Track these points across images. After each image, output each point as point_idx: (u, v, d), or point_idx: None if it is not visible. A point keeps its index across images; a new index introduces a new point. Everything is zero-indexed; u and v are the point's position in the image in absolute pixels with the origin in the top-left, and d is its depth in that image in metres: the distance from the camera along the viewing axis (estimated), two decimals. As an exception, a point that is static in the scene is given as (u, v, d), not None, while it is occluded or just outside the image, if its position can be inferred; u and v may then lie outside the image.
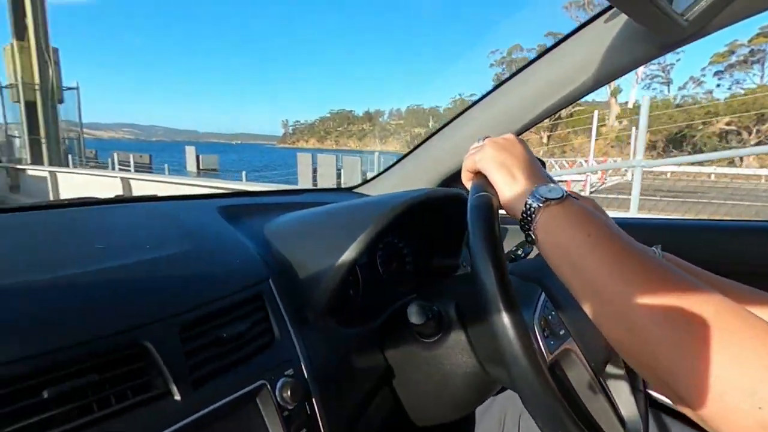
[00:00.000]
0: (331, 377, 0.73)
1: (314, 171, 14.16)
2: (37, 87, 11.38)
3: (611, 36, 0.85)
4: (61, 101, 11.94)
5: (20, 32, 11.56)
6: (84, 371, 0.50)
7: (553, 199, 0.46)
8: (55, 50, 11.60)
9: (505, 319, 0.44)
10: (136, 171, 13.34)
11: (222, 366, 0.61)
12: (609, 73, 0.89)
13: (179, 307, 0.61)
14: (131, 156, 15.56)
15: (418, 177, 1.27)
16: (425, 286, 0.91)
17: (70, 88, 11.94)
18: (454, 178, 1.22)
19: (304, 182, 13.48)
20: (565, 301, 0.66)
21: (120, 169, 13.67)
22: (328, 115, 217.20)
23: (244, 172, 12.41)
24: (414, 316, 0.72)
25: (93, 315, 0.55)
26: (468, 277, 0.89)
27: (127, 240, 0.77)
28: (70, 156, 12.29)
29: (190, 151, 21.05)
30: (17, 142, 12.96)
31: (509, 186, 0.51)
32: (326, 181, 13.49)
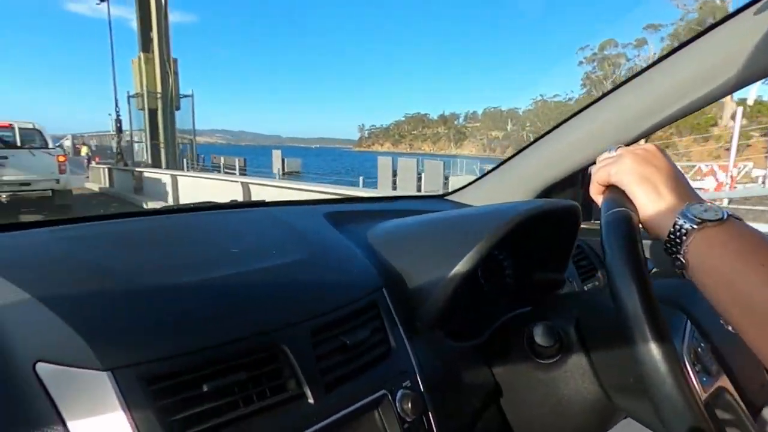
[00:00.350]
0: (443, 392, 0.72)
1: (394, 175, 13.96)
2: (158, 95, 12.23)
3: (763, 29, 0.77)
4: (178, 108, 12.74)
5: (146, 45, 12.51)
6: (234, 369, 0.53)
7: (711, 220, 0.42)
8: (175, 60, 12.42)
9: (654, 348, 0.41)
10: (208, 170, 13.96)
11: (348, 372, 0.63)
12: (759, 70, 0.81)
13: (309, 312, 0.63)
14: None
15: (516, 187, 1.24)
16: (528, 301, 0.89)
17: (185, 96, 12.71)
18: (555, 188, 1.18)
19: (384, 186, 13.34)
20: (718, 333, 0.63)
21: (226, 172, 14.63)
22: (403, 118, 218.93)
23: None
24: (541, 337, 0.70)
25: (238, 316, 0.59)
26: (589, 295, 0.87)
27: (254, 245, 0.82)
28: (184, 160, 13.19)
29: (276, 155, 22.08)
30: (137, 146, 14.26)
31: (653, 203, 0.48)
32: (406, 185, 13.26)
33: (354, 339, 0.65)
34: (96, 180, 15.61)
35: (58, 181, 8.11)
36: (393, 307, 0.74)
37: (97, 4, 12.04)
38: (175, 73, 12.38)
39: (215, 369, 0.52)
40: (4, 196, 7.71)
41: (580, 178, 1.20)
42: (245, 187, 6.70)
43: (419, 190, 12.66)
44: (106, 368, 0.47)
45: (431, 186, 12.78)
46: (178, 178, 8.80)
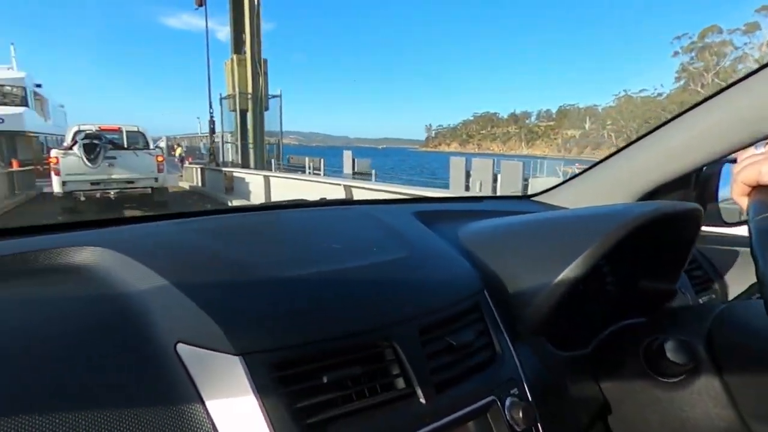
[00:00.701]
0: (550, 403, 0.70)
1: (467, 176, 13.54)
2: (249, 96, 12.22)
3: None
4: (266, 108, 12.71)
5: (238, 46, 12.60)
6: (350, 362, 0.54)
7: None
8: (265, 61, 12.37)
9: None
10: (292, 170, 13.80)
11: (456, 375, 0.62)
12: None
13: (417, 310, 0.63)
14: (321, 160, 16.74)
15: (615, 188, 1.18)
16: (636, 311, 0.87)
17: (274, 96, 12.64)
18: (661, 190, 1.12)
19: (457, 187, 12.90)
20: None
21: (311, 173, 14.61)
22: (471, 118, 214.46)
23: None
24: (674, 353, 0.66)
25: (354, 310, 0.60)
26: (724, 309, 0.77)
27: (354, 241, 0.84)
28: (273, 161, 13.24)
29: (347, 155, 22.09)
30: (228, 147, 14.73)
31: None
32: (481, 187, 12.74)
33: (460, 340, 0.64)
34: (188, 179, 16.33)
35: (156, 179, 8.62)
36: (495, 311, 0.73)
37: (195, 8, 12.36)
38: (265, 74, 12.36)
39: (334, 361, 0.53)
40: (112, 192, 8.23)
41: (693, 179, 1.15)
42: (348, 190, 6.20)
43: (494, 191, 12.22)
44: (238, 353, 0.50)
45: (508, 188, 12.36)
46: (271, 179, 8.60)
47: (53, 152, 8.10)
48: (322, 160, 15.16)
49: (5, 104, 20.34)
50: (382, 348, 0.58)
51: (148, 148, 8.93)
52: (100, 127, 8.53)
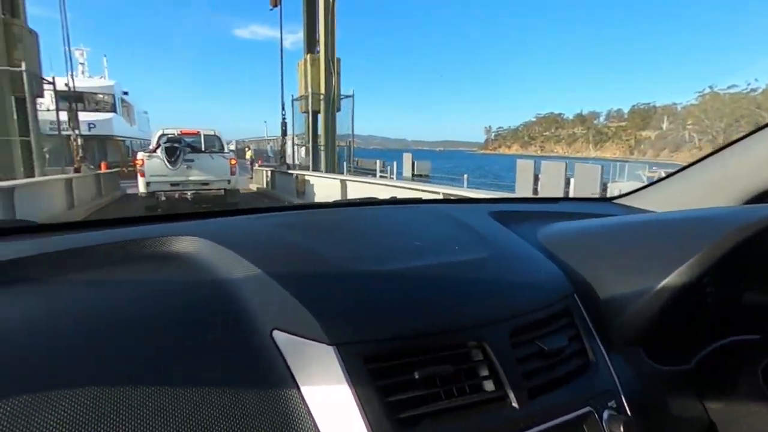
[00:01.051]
0: (650, 420, 0.66)
1: (536, 179, 12.76)
2: (322, 96, 11.75)
3: None
4: (338, 109, 12.18)
5: (311, 45, 12.20)
6: (440, 360, 0.54)
7: None
8: (338, 60, 11.84)
9: None
10: (362, 174, 13.19)
11: (549, 381, 0.60)
12: None
13: (507, 311, 0.62)
14: (392, 164, 16.26)
15: (712, 191, 1.10)
16: (742, 327, 0.81)
17: (346, 96, 12.09)
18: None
19: (524, 191, 12.12)
20: None
21: (381, 176, 14.09)
22: (534, 119, 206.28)
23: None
24: None
25: (442, 308, 0.60)
26: None
27: (434, 239, 0.85)
28: (345, 163, 12.77)
29: (407, 158, 21.92)
30: (294, 150, 14.61)
31: None
32: (551, 191, 11.91)
33: (551, 345, 0.62)
34: (258, 182, 16.50)
35: (229, 181, 8.88)
36: (588, 316, 0.71)
37: (270, 9, 12.17)
38: (338, 74, 11.85)
39: (423, 358, 0.54)
40: (189, 193, 8.65)
41: None
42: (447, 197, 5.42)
43: (567, 195, 11.05)
44: (332, 343, 0.52)
45: (583, 194, 11.05)
46: (347, 182, 8.00)
47: (139, 155, 8.56)
48: (394, 164, 14.38)
49: (97, 110, 21.77)
50: (470, 348, 0.57)
51: (223, 151, 9.25)
52: (181, 131, 8.99)
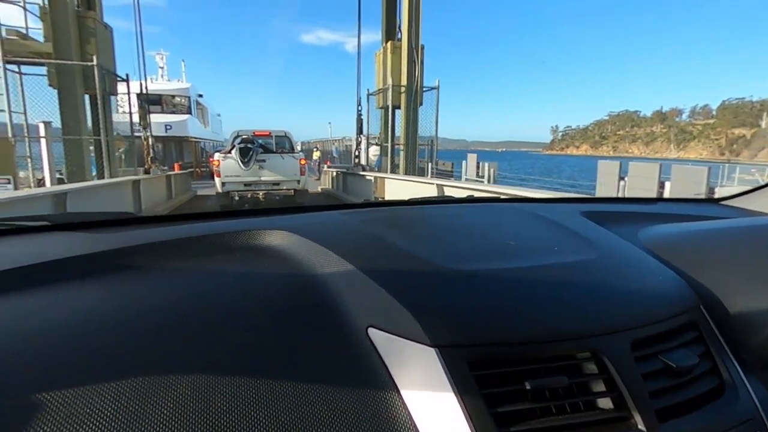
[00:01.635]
0: None
1: (621, 181, 11.53)
2: (403, 89, 10.29)
3: None
4: (420, 103, 10.67)
5: (391, 32, 10.79)
6: (553, 371, 0.49)
7: None
8: (422, 48, 10.32)
9: None
10: (442, 177, 11.82)
11: (679, 403, 0.54)
12: None
13: (627, 320, 0.57)
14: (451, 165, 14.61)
15: None
16: None
17: (430, 88, 10.53)
18: None
19: (607, 192, 11.09)
20: None
21: (467, 179, 12.52)
22: (606, 117, 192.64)
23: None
24: None
25: (553, 313, 0.55)
26: None
27: (528, 239, 0.81)
28: (429, 164, 11.30)
29: (472, 158, 20.64)
30: (362, 150, 13.64)
31: None
32: (638, 194, 10.46)
33: (680, 362, 0.55)
34: (327, 183, 15.79)
35: (299, 182, 8.81)
36: (718, 333, 0.64)
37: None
38: (422, 63, 10.33)
39: (534, 367, 0.50)
40: (261, 193, 8.62)
41: None
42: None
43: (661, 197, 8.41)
44: (434, 344, 0.49)
45: (681, 196, 9.06)
46: (445, 188, 6.55)
47: (216, 156, 8.61)
48: (462, 164, 12.36)
49: (174, 112, 22.07)
50: (580, 360, 0.52)
51: (293, 152, 9.29)
52: (254, 132, 9.15)
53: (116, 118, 11.06)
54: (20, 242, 0.78)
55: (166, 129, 20.08)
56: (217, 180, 8.23)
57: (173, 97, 22.17)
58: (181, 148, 24.70)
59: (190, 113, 22.40)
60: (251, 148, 8.00)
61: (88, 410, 0.41)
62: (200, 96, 26.08)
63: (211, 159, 12.02)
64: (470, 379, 0.47)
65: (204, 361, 0.48)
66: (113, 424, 0.41)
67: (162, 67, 24.75)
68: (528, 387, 0.48)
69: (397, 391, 0.48)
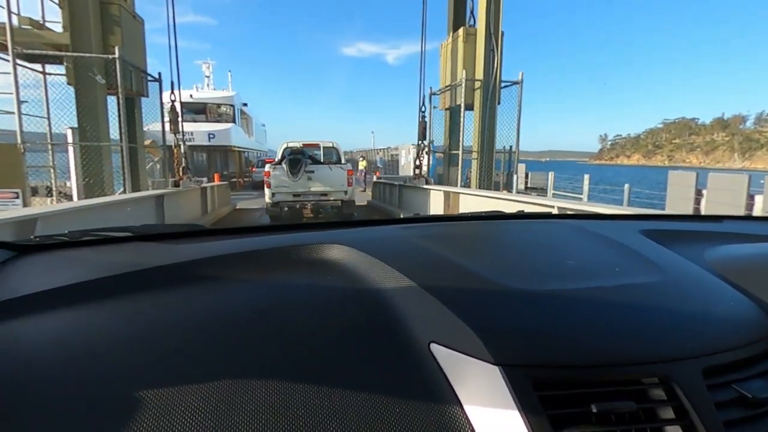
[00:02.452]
0: None
1: (698, 195, 10.14)
2: (477, 85, 8.35)
3: None
4: (498, 102, 8.68)
5: (459, 19, 8.91)
6: (620, 395, 0.48)
7: None
8: (502, 35, 8.36)
9: None
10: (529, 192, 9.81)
11: None
12: None
13: (697, 346, 0.55)
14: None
15: None
16: None
17: (513, 83, 8.53)
18: None
19: (681, 207, 9.90)
20: None
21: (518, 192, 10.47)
22: (660, 125, 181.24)
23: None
24: None
25: (617, 336, 0.55)
26: None
27: (588, 259, 0.80)
28: (515, 176, 9.25)
29: (521, 168, 18.36)
30: (410, 158, 12.01)
31: None
32: (720, 211, 7.30)
33: (756, 393, 0.52)
34: (370, 194, 14.45)
35: (346, 192, 8.70)
36: None
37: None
38: (501, 54, 8.38)
39: (600, 391, 0.49)
40: (309, 204, 8.55)
41: None
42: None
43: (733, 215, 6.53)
44: (498, 363, 0.49)
45: None
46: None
47: (267, 167, 8.59)
48: (515, 177, 10.04)
49: (218, 121, 21.22)
50: (647, 385, 0.51)
51: (341, 163, 9.22)
52: (303, 144, 9.30)
53: (156, 126, 10.39)
54: (110, 251, 0.87)
55: (209, 138, 19.18)
56: (267, 191, 8.25)
57: (218, 106, 21.37)
58: (225, 158, 24.01)
59: (235, 122, 21.52)
60: (300, 159, 8.04)
61: (182, 407, 0.44)
62: (245, 105, 25.30)
63: (253, 168, 14.16)
64: (534, 399, 0.46)
65: (279, 368, 0.50)
66: (203, 422, 0.43)
67: (208, 77, 24.16)
68: (594, 410, 0.46)
69: (461, 406, 0.48)
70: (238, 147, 22.26)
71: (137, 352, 0.52)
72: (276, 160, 8.84)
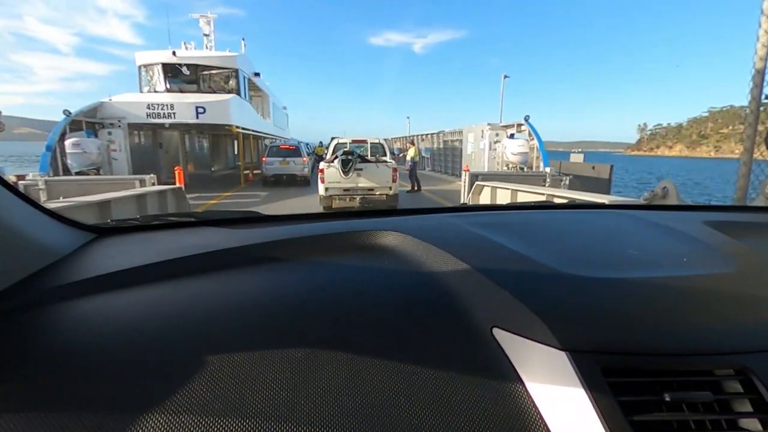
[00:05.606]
0: None
1: None
2: None
3: None
4: None
5: None
6: (696, 385, 0.47)
7: None
8: None
9: None
10: None
11: None
12: None
13: None
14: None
15: None
16: None
17: None
18: None
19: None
20: None
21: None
22: (706, 114, 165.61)
23: None
24: None
25: (688, 325, 0.53)
26: None
27: (652, 248, 0.77)
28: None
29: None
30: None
31: None
32: None
33: None
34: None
35: (390, 188, 8.84)
36: None
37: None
38: None
39: (671, 380, 0.47)
40: (357, 198, 8.79)
41: None
42: None
43: None
44: (565, 348, 0.48)
45: None
46: None
47: (321, 164, 8.82)
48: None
49: (211, 91, 14.89)
50: (721, 377, 0.48)
51: (386, 159, 9.52)
52: (352, 140, 10.38)
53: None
54: (178, 235, 0.92)
55: (197, 113, 12.91)
56: (320, 185, 8.70)
57: (209, 68, 15.04)
58: (218, 145, 17.87)
59: (239, 95, 15.19)
60: (351, 159, 8.55)
61: (260, 378, 0.47)
62: (257, 75, 18.90)
63: (263, 158, 13.15)
64: (604, 385, 0.45)
65: (346, 345, 0.51)
66: (279, 391, 0.45)
67: (207, 35, 17.61)
68: (668, 399, 0.45)
69: (525, 389, 0.47)
70: (246, 129, 15.86)
71: (216, 326, 0.55)
72: (329, 158, 9.27)
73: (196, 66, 14.77)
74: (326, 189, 8.75)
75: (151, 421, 0.42)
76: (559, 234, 0.85)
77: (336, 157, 8.74)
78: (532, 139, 12.36)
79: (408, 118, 26.69)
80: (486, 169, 13.66)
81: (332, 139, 10.53)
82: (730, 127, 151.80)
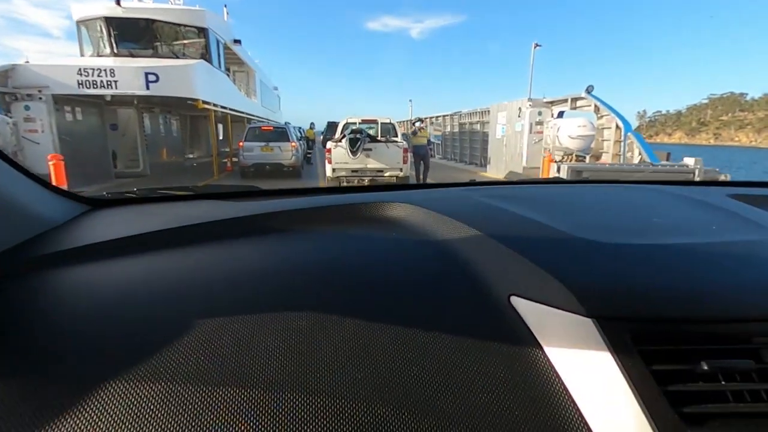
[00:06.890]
0: None
1: None
2: None
3: None
4: None
5: None
6: (725, 353, 0.44)
7: None
8: None
9: None
10: None
11: None
12: None
13: None
14: None
15: None
16: None
17: None
18: None
19: None
20: None
21: None
22: (705, 101, 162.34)
23: None
24: None
25: (720, 291, 0.50)
26: None
27: (678, 217, 0.75)
28: None
29: None
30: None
31: None
32: None
33: None
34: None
35: (401, 170, 8.43)
36: None
37: None
38: None
39: (706, 348, 0.44)
40: (366, 180, 8.36)
41: None
42: None
43: None
44: (591, 315, 0.45)
45: None
46: None
47: (328, 144, 8.48)
48: None
49: (174, 56, 11.43)
50: (760, 346, 0.45)
51: (397, 140, 8.83)
52: (362, 119, 9.63)
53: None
54: (177, 207, 0.89)
55: (147, 82, 9.52)
56: (328, 166, 8.40)
57: (174, 26, 11.57)
58: (193, 127, 14.37)
59: (206, 59, 11.74)
60: (359, 138, 8.10)
61: (263, 347, 0.45)
62: (237, 42, 15.38)
63: (240, 144, 11.12)
64: (635, 353, 0.43)
65: (358, 312, 0.49)
66: (284, 359, 0.44)
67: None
68: (705, 367, 0.42)
69: (547, 358, 0.45)
70: (221, 106, 12.41)
71: (216, 293, 0.53)
72: (337, 137, 8.68)
73: (151, 22, 11.27)
74: (333, 170, 8.42)
75: (143, 390, 0.40)
76: (579, 206, 0.82)
77: (344, 137, 8.30)
78: (600, 116, 9.10)
79: (410, 101, 23.93)
80: (525, 158, 10.48)
81: (328, 123, 9.97)
82: (730, 115, 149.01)
